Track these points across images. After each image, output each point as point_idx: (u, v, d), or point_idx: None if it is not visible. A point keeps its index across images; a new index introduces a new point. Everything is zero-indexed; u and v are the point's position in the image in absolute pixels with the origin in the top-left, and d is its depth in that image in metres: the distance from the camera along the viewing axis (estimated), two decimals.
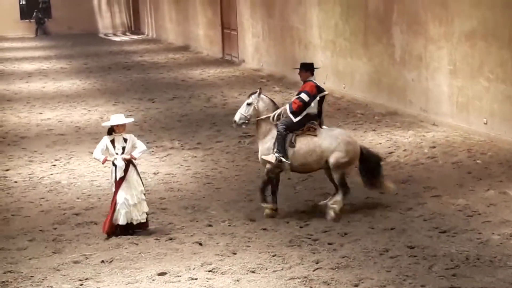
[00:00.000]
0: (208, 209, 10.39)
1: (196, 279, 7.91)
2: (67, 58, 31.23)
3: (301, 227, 9.47)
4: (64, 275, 8.14)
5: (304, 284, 7.67)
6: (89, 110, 18.62)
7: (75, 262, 8.51)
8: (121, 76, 24.75)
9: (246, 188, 11.36)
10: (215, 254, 8.62)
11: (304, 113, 9.71)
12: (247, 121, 9.95)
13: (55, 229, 9.76)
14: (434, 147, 13.28)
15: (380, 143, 13.78)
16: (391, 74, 16.74)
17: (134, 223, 9.33)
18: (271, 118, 9.78)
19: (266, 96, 10.04)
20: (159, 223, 9.82)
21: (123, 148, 9.30)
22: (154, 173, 12.38)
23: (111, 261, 8.49)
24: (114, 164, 9.28)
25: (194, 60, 28.69)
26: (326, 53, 19.77)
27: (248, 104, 9.91)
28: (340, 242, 8.83)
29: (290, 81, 21.45)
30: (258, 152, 10.09)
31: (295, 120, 9.68)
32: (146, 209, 9.40)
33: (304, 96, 9.72)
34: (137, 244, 9.01)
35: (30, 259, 8.68)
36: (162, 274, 8.07)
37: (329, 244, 8.80)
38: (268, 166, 9.75)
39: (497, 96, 13.40)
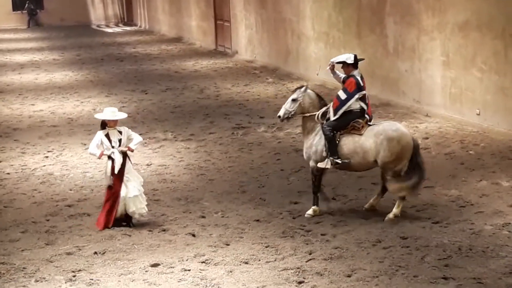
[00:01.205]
0: (201, 201, 10.38)
1: (189, 270, 7.91)
2: (59, 49, 31.12)
3: (294, 218, 9.47)
4: (57, 267, 8.13)
5: (297, 275, 7.68)
6: (82, 102, 18.58)
7: (68, 254, 8.50)
8: (114, 68, 24.69)
9: (239, 180, 11.36)
10: (208, 245, 8.62)
11: (342, 110, 9.28)
12: (291, 116, 9.63)
13: (47, 220, 9.74)
14: (427, 138, 13.30)
15: None
16: (384, 65, 16.74)
17: (136, 216, 9.28)
18: (316, 117, 9.48)
19: (313, 91, 9.67)
20: (152, 214, 9.81)
21: (120, 141, 9.27)
22: (147, 165, 12.36)
23: (104, 253, 8.48)
24: (110, 158, 9.24)
25: (187, 52, 28.64)
26: (319, 44, 19.75)
27: (293, 100, 9.49)
28: (333, 233, 8.84)
29: (283, 73, 21.46)
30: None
31: (333, 118, 9.30)
32: (144, 202, 9.37)
33: (342, 94, 9.36)
34: (130, 236, 9.00)
35: (22, 250, 8.66)
36: (155, 265, 8.07)
37: (322, 235, 8.81)
38: (312, 164, 9.50)
39: (490, 87, 13.42)
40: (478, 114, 13.68)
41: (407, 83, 15.90)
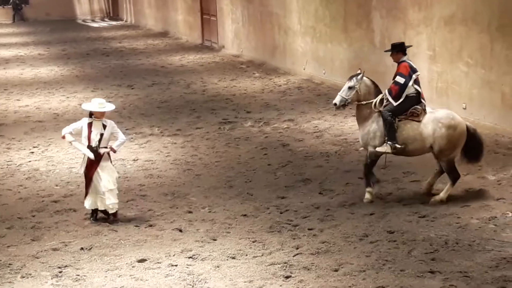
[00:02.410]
0: (188, 196, 10.36)
1: (176, 265, 7.89)
2: (45, 44, 30.95)
3: (281, 213, 9.47)
4: (43, 263, 8.09)
5: (284, 269, 7.68)
6: (68, 97, 18.49)
7: (54, 250, 8.46)
8: (100, 63, 24.58)
9: (226, 175, 11.33)
10: (195, 240, 8.60)
11: (404, 95, 9.53)
12: (346, 104, 9.72)
13: (33, 216, 9.69)
14: None
15: None
16: (371, 59, 16.75)
17: (106, 209, 9.23)
18: (373, 105, 9.57)
19: (369, 79, 9.72)
20: (139, 209, 9.79)
21: (101, 135, 9.15)
22: (134, 160, 12.32)
23: (90, 248, 8.44)
24: (90, 149, 9.11)
25: (173, 46, 28.55)
26: (306, 38, 19.74)
27: (350, 88, 9.60)
28: (320, 228, 8.84)
29: (270, 67, 21.43)
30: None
31: (395, 104, 9.51)
32: (116, 199, 9.27)
33: (399, 78, 9.55)
34: (116, 231, 8.97)
35: (8, 246, 8.61)
36: (142, 260, 8.05)
37: (309, 229, 8.81)
38: (370, 149, 9.64)
39: (476, 81, 13.46)
40: (465, 108, 13.71)
41: None
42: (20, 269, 7.93)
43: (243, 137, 13.65)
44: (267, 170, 11.46)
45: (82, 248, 8.45)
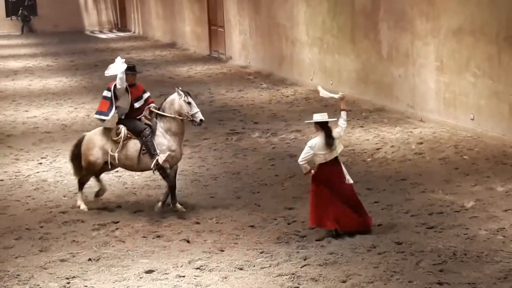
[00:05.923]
0: (195, 207, 10.36)
1: (183, 276, 7.89)
2: (53, 55, 31.09)
3: (288, 224, 9.46)
4: (50, 274, 8.10)
5: (292, 280, 7.66)
6: (76, 108, 18.55)
7: (62, 261, 8.47)
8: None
9: (234, 185, 11.34)
10: (203, 251, 8.59)
11: None
12: None
13: (41, 227, 9.71)
14: (421, 143, 13.31)
15: (368, 139, 13.80)
16: (378, 70, 16.76)
17: None
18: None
19: None
20: (147, 220, 9.79)
21: None
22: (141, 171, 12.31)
23: (98, 259, 8.45)
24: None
25: (181, 57, 28.63)
26: (314, 49, 19.77)
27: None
28: (328, 239, 8.83)
29: (277, 78, 21.45)
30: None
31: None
32: None
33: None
34: (124, 242, 8.98)
35: (16, 257, 8.62)
36: (149, 271, 8.05)
37: (317, 240, 8.79)
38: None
39: (484, 92, 13.44)
40: (472, 119, 13.70)
41: (401, 88, 15.92)
42: (28, 280, 7.94)
43: (251, 148, 13.65)
44: (275, 181, 11.46)
45: (90, 259, 8.46)
